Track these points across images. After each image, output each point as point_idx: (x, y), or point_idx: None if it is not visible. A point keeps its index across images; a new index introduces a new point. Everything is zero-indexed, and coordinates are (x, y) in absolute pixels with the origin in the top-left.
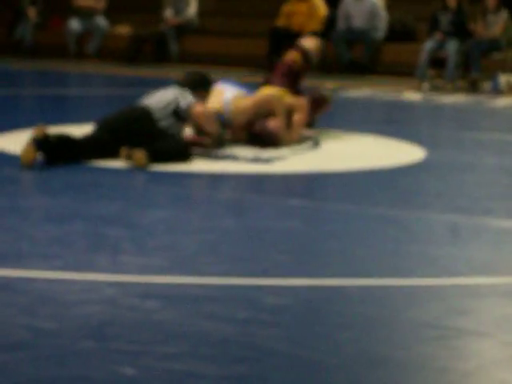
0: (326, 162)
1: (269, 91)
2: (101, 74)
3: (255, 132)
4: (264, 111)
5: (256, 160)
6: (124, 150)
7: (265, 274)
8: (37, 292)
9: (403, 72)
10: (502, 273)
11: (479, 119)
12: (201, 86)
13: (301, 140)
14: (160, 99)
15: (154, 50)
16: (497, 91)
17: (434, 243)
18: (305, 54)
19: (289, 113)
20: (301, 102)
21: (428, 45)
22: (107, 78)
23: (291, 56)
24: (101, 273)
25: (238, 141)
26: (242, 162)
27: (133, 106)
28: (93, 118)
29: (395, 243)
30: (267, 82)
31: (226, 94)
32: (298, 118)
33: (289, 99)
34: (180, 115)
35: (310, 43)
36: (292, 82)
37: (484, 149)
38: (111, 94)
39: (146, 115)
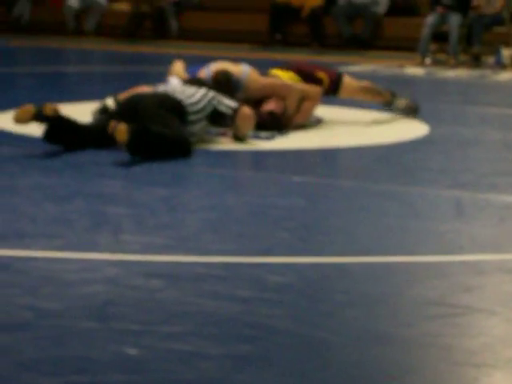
0: (328, 139)
1: (284, 78)
2: (100, 50)
3: (261, 115)
4: (278, 95)
5: (256, 137)
6: (112, 122)
7: (268, 252)
8: (38, 272)
9: (405, 47)
10: (507, 249)
11: (482, 94)
12: (227, 89)
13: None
14: (189, 94)
15: (153, 27)
16: (500, 65)
17: (438, 219)
18: (334, 79)
19: (301, 98)
20: (316, 90)
21: (430, 19)
22: (106, 55)
23: (320, 74)
24: (103, 252)
25: None
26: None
27: (164, 94)
28: (92, 95)
29: (398, 220)
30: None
31: (243, 66)
32: (309, 104)
33: (304, 86)
34: (216, 118)
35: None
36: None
37: (488, 124)
38: (111, 71)
39: (179, 107)
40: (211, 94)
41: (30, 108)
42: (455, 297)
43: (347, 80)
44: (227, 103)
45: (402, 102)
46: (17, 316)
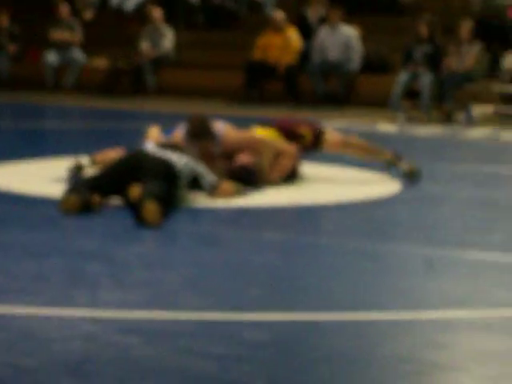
0: (301, 195)
1: (262, 134)
2: (78, 106)
3: (234, 168)
4: (252, 149)
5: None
6: (135, 192)
7: (242, 308)
8: (16, 328)
9: (378, 103)
10: (477, 306)
11: (454, 150)
12: (205, 136)
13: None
14: (183, 164)
15: (130, 83)
16: (470, 122)
17: (409, 276)
18: (317, 134)
19: (276, 155)
20: (291, 149)
21: (402, 76)
22: (84, 111)
23: (302, 129)
24: (80, 308)
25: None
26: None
27: (158, 157)
28: (70, 152)
29: (370, 276)
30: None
31: (219, 123)
32: (284, 163)
33: (280, 143)
34: (194, 185)
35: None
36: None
37: (458, 180)
38: (88, 127)
39: (172, 171)
40: (192, 163)
41: (75, 201)
42: (426, 354)
43: (331, 135)
44: (208, 178)
45: (405, 167)
46: None
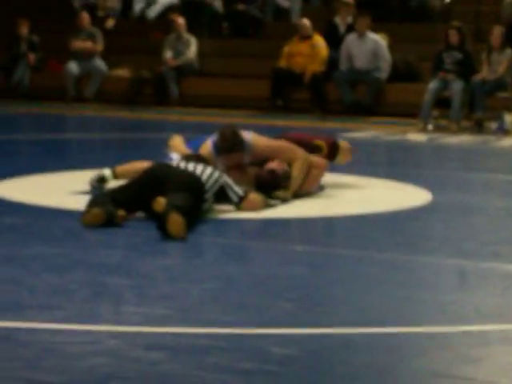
0: (330, 207)
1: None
2: (100, 116)
3: (261, 173)
4: (283, 158)
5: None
6: (160, 205)
7: (270, 323)
8: (38, 344)
9: (407, 113)
10: (511, 319)
11: (485, 160)
12: (236, 148)
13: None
14: (208, 176)
15: (153, 93)
16: (503, 131)
17: (441, 289)
18: (333, 147)
19: (308, 166)
20: (321, 162)
21: (432, 85)
22: (106, 121)
23: (317, 141)
24: (103, 324)
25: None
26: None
27: (183, 169)
28: (92, 163)
29: (402, 289)
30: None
31: (246, 132)
32: (316, 172)
33: (311, 156)
34: (220, 197)
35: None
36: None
37: (491, 191)
38: (110, 138)
39: (196, 182)
40: (217, 173)
41: (98, 213)
42: (460, 368)
43: (345, 145)
44: (235, 190)
45: None
46: None
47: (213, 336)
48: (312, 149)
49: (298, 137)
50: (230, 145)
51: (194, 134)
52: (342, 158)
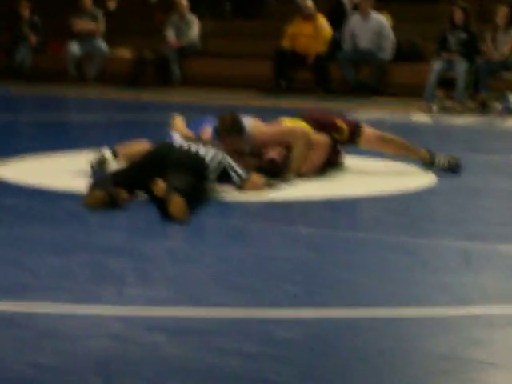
0: (334, 188)
1: (293, 123)
2: (101, 98)
3: (263, 163)
4: (284, 143)
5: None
6: (159, 187)
7: (274, 305)
8: (40, 327)
9: (411, 93)
10: None
11: (490, 141)
12: (234, 132)
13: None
14: (211, 157)
15: (155, 73)
16: (507, 111)
17: (447, 271)
18: (354, 130)
19: (309, 146)
20: (323, 141)
21: (436, 65)
22: (108, 103)
23: (340, 123)
24: (106, 306)
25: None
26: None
27: (186, 150)
28: (94, 145)
29: (407, 272)
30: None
31: (244, 118)
32: (315, 156)
33: (312, 132)
34: (222, 178)
35: None
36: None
37: (496, 172)
38: (112, 119)
39: (199, 163)
40: (220, 154)
41: (101, 195)
42: (465, 351)
43: (368, 130)
44: (238, 171)
45: (442, 159)
46: (19, 373)
47: (216, 319)
48: (332, 129)
49: (316, 116)
50: (228, 127)
51: (196, 115)
52: (364, 145)
